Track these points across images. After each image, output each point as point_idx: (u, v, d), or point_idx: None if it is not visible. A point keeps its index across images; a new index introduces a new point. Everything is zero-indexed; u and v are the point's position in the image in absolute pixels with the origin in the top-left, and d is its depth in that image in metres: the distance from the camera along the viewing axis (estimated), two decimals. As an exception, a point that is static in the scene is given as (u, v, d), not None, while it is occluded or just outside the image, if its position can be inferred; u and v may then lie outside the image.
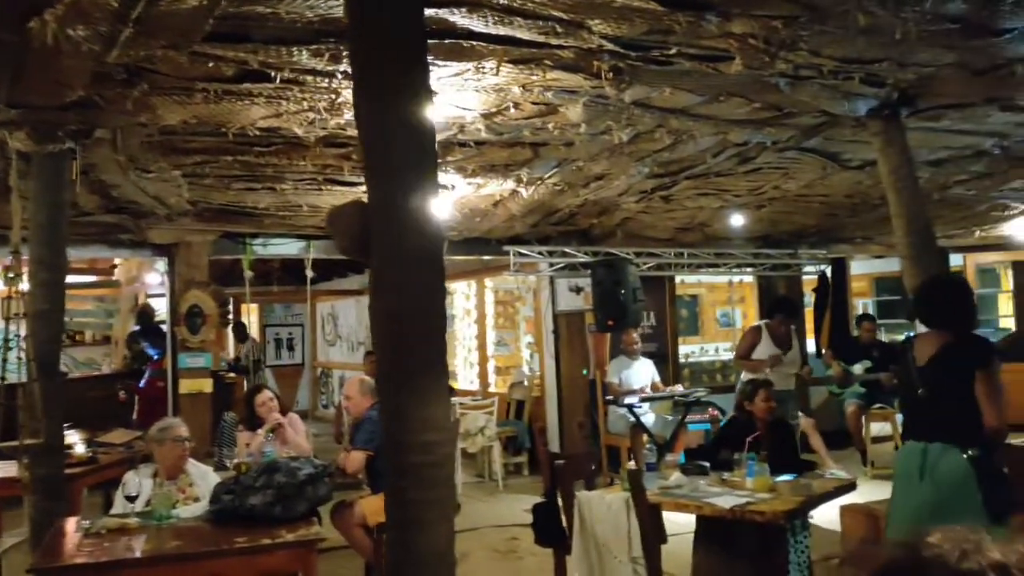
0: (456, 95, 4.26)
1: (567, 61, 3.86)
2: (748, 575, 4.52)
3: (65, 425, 5.90)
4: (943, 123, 5.28)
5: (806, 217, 8.86)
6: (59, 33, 3.21)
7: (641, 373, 8.53)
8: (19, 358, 4.45)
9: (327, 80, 3.91)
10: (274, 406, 5.84)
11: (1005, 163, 6.54)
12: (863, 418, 8.85)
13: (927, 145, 5.82)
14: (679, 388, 8.82)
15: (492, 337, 11.59)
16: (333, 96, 4.14)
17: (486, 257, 9.05)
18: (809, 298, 11.03)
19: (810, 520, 4.92)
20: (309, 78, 3.89)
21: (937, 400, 3.70)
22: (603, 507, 4.31)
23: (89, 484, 6.11)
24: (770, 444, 4.91)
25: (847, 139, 5.59)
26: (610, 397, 8.35)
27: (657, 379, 8.66)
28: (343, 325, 14.76)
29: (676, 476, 4.74)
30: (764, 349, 7.55)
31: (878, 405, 8.77)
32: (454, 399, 9.15)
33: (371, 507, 5.06)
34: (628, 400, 7.99)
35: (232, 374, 10.16)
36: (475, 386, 11.46)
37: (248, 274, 8.22)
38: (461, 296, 12.16)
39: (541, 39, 3.59)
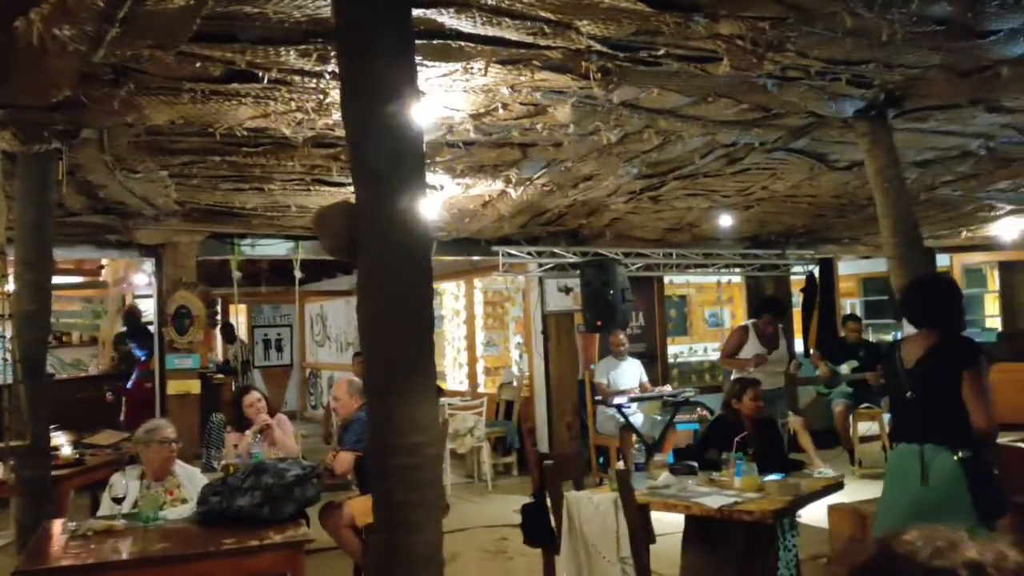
0: (445, 95, 4.26)
1: (555, 62, 3.86)
2: (736, 575, 4.53)
3: (52, 427, 5.87)
4: (929, 124, 5.31)
5: (794, 218, 8.90)
6: (45, 33, 3.19)
7: (629, 373, 8.54)
8: (5, 359, 4.42)
9: (315, 80, 3.90)
10: (262, 407, 5.82)
11: (991, 164, 6.58)
12: (850, 418, 8.89)
13: (914, 146, 5.85)
14: (668, 388, 8.84)
15: (481, 338, 11.58)
16: (321, 96, 4.13)
17: (475, 257, 9.05)
18: (797, 298, 11.07)
19: (798, 519, 4.94)
20: (297, 78, 3.88)
21: (925, 402, 3.71)
22: (591, 507, 4.31)
23: (76, 486, 6.07)
24: (758, 443, 4.92)
25: (834, 140, 5.62)
26: (599, 397, 8.37)
27: (645, 379, 8.67)
28: (332, 326, 14.74)
29: (664, 476, 4.75)
30: (751, 349, 7.58)
31: (865, 405, 8.81)
32: (443, 400, 9.15)
33: (360, 508, 5.05)
34: (617, 400, 8.01)
35: (220, 375, 10.12)
36: (464, 387, 11.46)
37: (236, 275, 8.19)
38: (450, 296, 12.15)
39: (529, 40, 3.59)
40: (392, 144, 2.36)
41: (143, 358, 9.17)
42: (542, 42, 3.62)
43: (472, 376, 11.45)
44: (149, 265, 8.06)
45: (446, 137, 5.07)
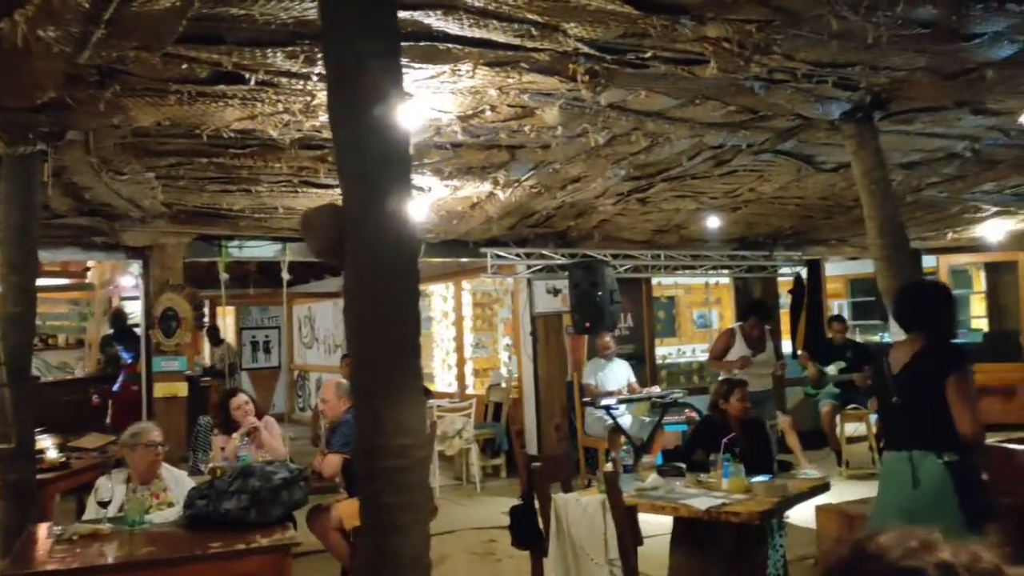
0: (432, 97, 4.26)
1: (543, 64, 3.86)
2: (724, 576, 4.54)
3: (37, 430, 5.84)
4: (915, 126, 5.33)
5: (781, 219, 8.93)
6: (29, 34, 3.17)
7: (617, 374, 8.56)
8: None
9: (302, 82, 3.89)
10: (249, 410, 5.79)
11: (976, 166, 6.61)
12: (837, 418, 8.93)
13: (900, 148, 5.88)
14: (656, 389, 8.86)
15: (470, 339, 11.58)
16: (308, 98, 4.12)
17: (463, 259, 9.04)
18: (785, 299, 11.11)
19: (786, 520, 4.95)
20: (284, 80, 3.87)
21: (912, 408, 3.72)
22: (579, 509, 4.31)
23: (61, 490, 6.03)
24: (745, 444, 4.94)
25: (821, 142, 5.64)
26: (587, 399, 8.37)
27: (633, 380, 8.68)
28: (320, 328, 14.70)
29: (652, 478, 4.75)
30: (738, 351, 7.61)
31: (852, 406, 8.85)
32: (431, 402, 9.13)
33: (348, 511, 5.04)
34: (605, 402, 8.02)
35: (208, 378, 10.09)
36: (453, 388, 11.45)
37: (224, 277, 8.16)
38: (439, 298, 12.14)
39: (517, 42, 3.59)
40: (378, 146, 2.35)
41: (130, 361, 9.12)
42: (529, 44, 3.62)
43: (461, 378, 11.44)
44: (136, 267, 8.03)
45: (434, 139, 5.06)
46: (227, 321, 15.35)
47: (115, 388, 9.26)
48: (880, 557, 0.97)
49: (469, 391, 11.07)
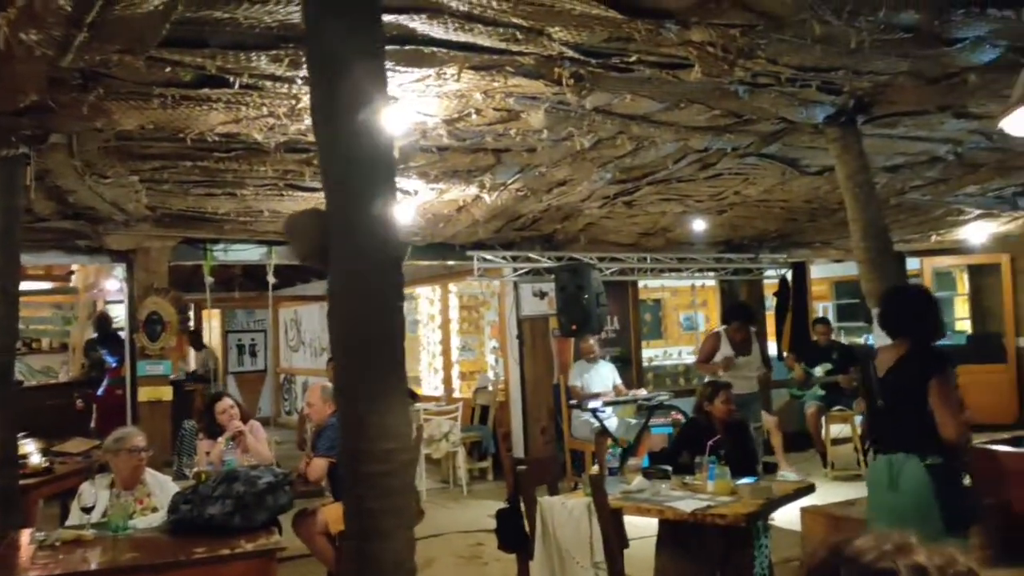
0: (417, 101, 4.26)
1: (528, 68, 3.87)
2: (710, 578, 4.55)
3: (20, 435, 5.80)
4: (898, 130, 5.37)
5: (766, 222, 8.96)
6: (11, 38, 3.15)
7: (602, 376, 8.57)
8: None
9: (287, 86, 3.89)
10: (235, 414, 5.77)
11: (959, 169, 6.66)
12: (823, 420, 8.96)
13: (883, 151, 5.91)
14: (642, 392, 8.87)
15: (456, 342, 11.57)
16: (293, 102, 4.12)
17: (450, 262, 9.04)
18: (770, 302, 11.15)
19: (771, 522, 4.97)
20: (268, 83, 3.87)
21: (896, 411, 3.75)
22: (565, 512, 4.31)
23: (45, 495, 5.99)
24: (730, 447, 4.95)
25: (805, 145, 5.67)
26: (573, 401, 8.38)
27: (619, 382, 8.70)
28: (306, 331, 14.65)
29: (638, 480, 4.76)
30: (724, 354, 7.64)
31: (837, 407, 8.88)
32: (418, 405, 9.13)
33: (333, 515, 5.02)
34: (592, 404, 8.03)
35: (193, 384, 10.04)
36: (439, 392, 11.43)
37: (209, 280, 8.12)
38: (425, 301, 12.13)
39: (502, 46, 3.59)
40: (363, 150, 2.35)
41: (114, 365, 9.07)
42: (514, 48, 3.62)
43: (447, 381, 11.43)
44: (120, 271, 7.98)
45: (419, 142, 5.06)
46: (212, 325, 15.28)
47: (99, 392, 9.20)
48: (855, 560, 0.98)
49: (456, 394, 11.05)
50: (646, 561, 4.93)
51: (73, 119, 4.24)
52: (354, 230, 2.34)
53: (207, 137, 4.63)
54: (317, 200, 5.90)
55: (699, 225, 8.49)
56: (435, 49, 3.58)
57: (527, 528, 4.57)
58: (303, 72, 3.65)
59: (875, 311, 4.21)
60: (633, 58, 3.80)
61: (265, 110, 4.24)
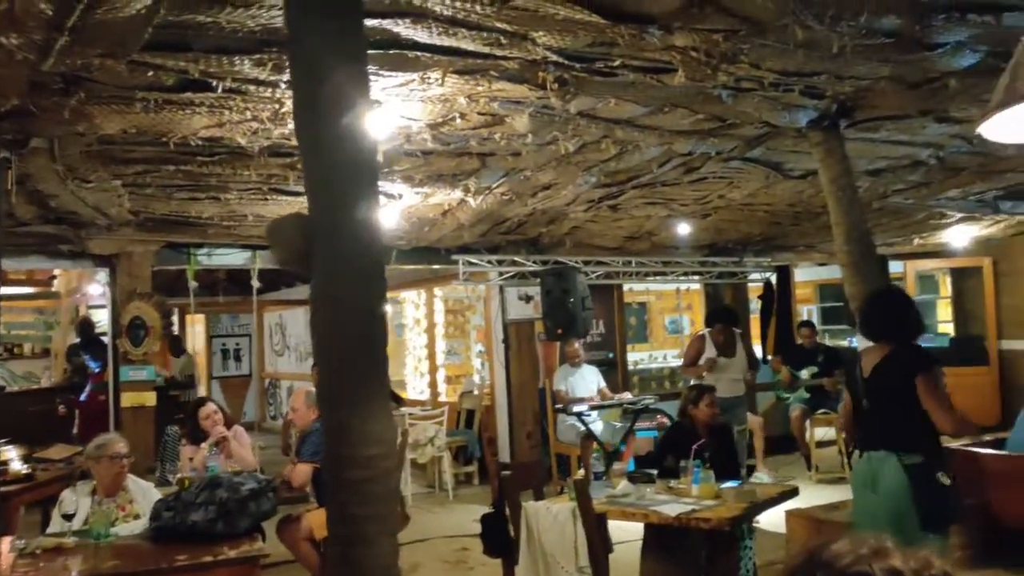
0: (401, 105, 4.25)
1: (512, 72, 3.87)
2: (695, 582, 4.56)
3: (2, 441, 5.75)
4: (881, 134, 5.40)
5: (751, 226, 8.99)
6: (-9, 41, 3.13)
7: (587, 381, 8.59)
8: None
9: (270, 90, 3.87)
10: (219, 419, 5.75)
11: (941, 173, 6.70)
12: (807, 423, 9.00)
13: (866, 155, 5.94)
14: (627, 395, 8.89)
15: (442, 346, 11.55)
16: (277, 106, 4.09)
17: (435, 266, 9.03)
18: (755, 305, 11.20)
19: (756, 525, 4.98)
20: (252, 88, 3.84)
21: (879, 410, 3.79)
22: (549, 517, 4.31)
23: (26, 502, 5.95)
24: (714, 450, 4.96)
25: (789, 149, 5.69)
26: (559, 405, 8.39)
27: (604, 386, 8.71)
28: (291, 335, 14.60)
29: (623, 484, 4.77)
30: (708, 356, 7.66)
31: (822, 410, 8.92)
32: (403, 409, 9.11)
33: (318, 520, 5.00)
34: (577, 408, 8.03)
35: (176, 390, 9.99)
36: (425, 396, 11.42)
37: (193, 285, 8.08)
38: (411, 305, 12.11)
39: (486, 50, 3.59)
40: (345, 155, 2.34)
41: (97, 370, 9.01)
42: (498, 53, 3.62)
43: (433, 385, 11.41)
44: (103, 275, 7.93)
45: (404, 146, 5.05)
46: (197, 329, 15.22)
47: (82, 398, 9.15)
48: (831, 564, 0.99)
49: (441, 398, 11.04)
50: (631, 565, 4.94)
51: (54, 123, 4.21)
52: (337, 235, 2.33)
53: (190, 141, 4.60)
54: (301, 204, 5.86)
55: (684, 229, 8.51)
56: (419, 53, 3.57)
57: (512, 533, 4.57)
58: (287, 76, 3.63)
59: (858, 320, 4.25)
60: (617, 62, 3.80)
61: (249, 114, 4.21)
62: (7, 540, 4.00)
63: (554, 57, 3.68)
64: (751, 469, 8.38)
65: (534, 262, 8.88)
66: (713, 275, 10.33)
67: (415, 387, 11.93)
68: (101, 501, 4.34)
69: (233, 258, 8.09)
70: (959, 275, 11.62)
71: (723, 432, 5.39)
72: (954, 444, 5.56)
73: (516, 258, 8.84)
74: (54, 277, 11.18)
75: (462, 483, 9.31)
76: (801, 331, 9.76)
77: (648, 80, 4.03)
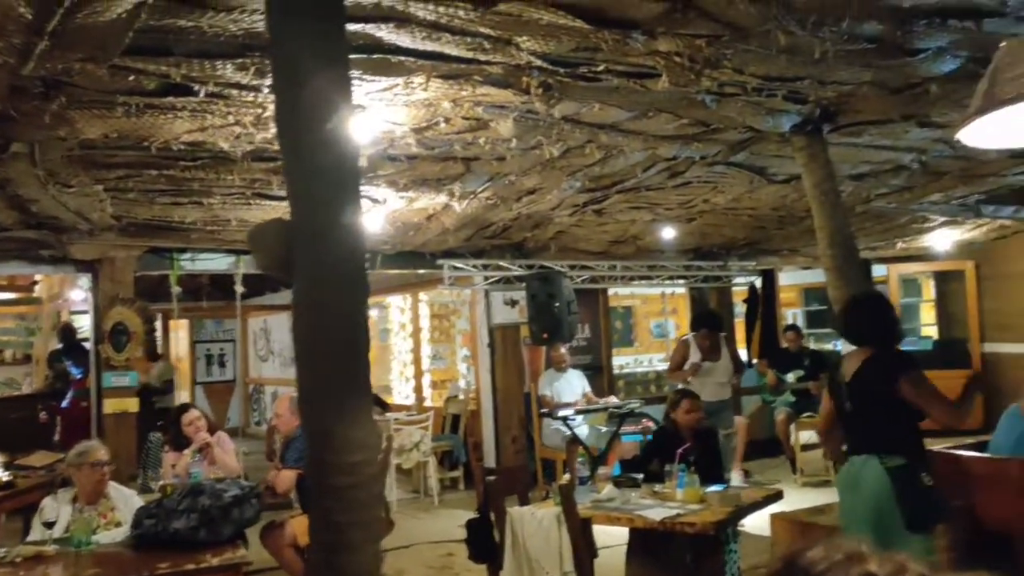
0: (385, 109, 4.24)
1: (496, 77, 3.86)
2: (680, 586, 4.56)
3: (-18, 448, 5.68)
4: (864, 139, 5.43)
5: (735, 230, 9.02)
6: (-30, 45, 3.10)
7: (572, 385, 8.59)
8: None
9: (253, 94, 3.85)
10: (202, 425, 5.71)
11: (923, 177, 6.75)
12: (792, 426, 9.03)
13: (849, 160, 5.97)
14: (613, 399, 8.89)
15: (427, 351, 11.53)
16: (259, 110, 4.08)
17: (420, 271, 9.01)
18: (740, 309, 11.23)
19: (741, 529, 4.99)
20: (234, 92, 3.83)
21: (860, 414, 3.81)
22: (534, 523, 4.30)
23: (7, 509, 5.89)
24: (699, 454, 4.97)
25: (772, 154, 5.71)
26: (544, 410, 8.38)
27: (589, 390, 8.71)
28: (276, 340, 14.54)
29: (608, 489, 4.76)
30: (692, 361, 7.69)
31: (807, 414, 8.95)
32: (388, 415, 9.07)
33: (302, 527, 4.96)
34: (563, 413, 8.03)
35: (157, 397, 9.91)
36: (411, 401, 11.39)
37: (176, 290, 8.03)
38: (396, 310, 12.09)
39: (469, 55, 3.59)
40: (327, 159, 2.33)
41: (79, 376, 8.95)
42: (482, 57, 3.62)
43: (418, 390, 11.39)
44: (85, 281, 7.87)
45: (388, 151, 5.04)
46: (180, 335, 15.14)
47: (64, 404, 9.08)
48: (807, 571, 0.99)
49: (427, 403, 11.01)
50: (616, 570, 4.93)
51: (35, 128, 4.17)
52: (319, 240, 2.32)
53: (172, 146, 4.58)
54: (285, 209, 5.82)
55: (668, 233, 8.53)
56: (402, 58, 3.56)
57: (497, 538, 4.56)
58: (269, 80, 3.61)
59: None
60: (601, 67, 3.81)
61: (231, 119, 4.19)
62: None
63: (538, 62, 3.68)
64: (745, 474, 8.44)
65: (519, 266, 8.87)
66: (698, 279, 10.35)
67: (400, 392, 11.90)
68: (82, 509, 4.31)
69: (217, 263, 8.05)
70: (942, 279, 11.69)
71: (708, 436, 5.39)
72: (937, 447, 5.59)
73: (501, 262, 8.84)
74: (36, 283, 11.10)
75: (447, 488, 9.29)
76: (787, 335, 9.80)
77: (632, 85, 4.04)
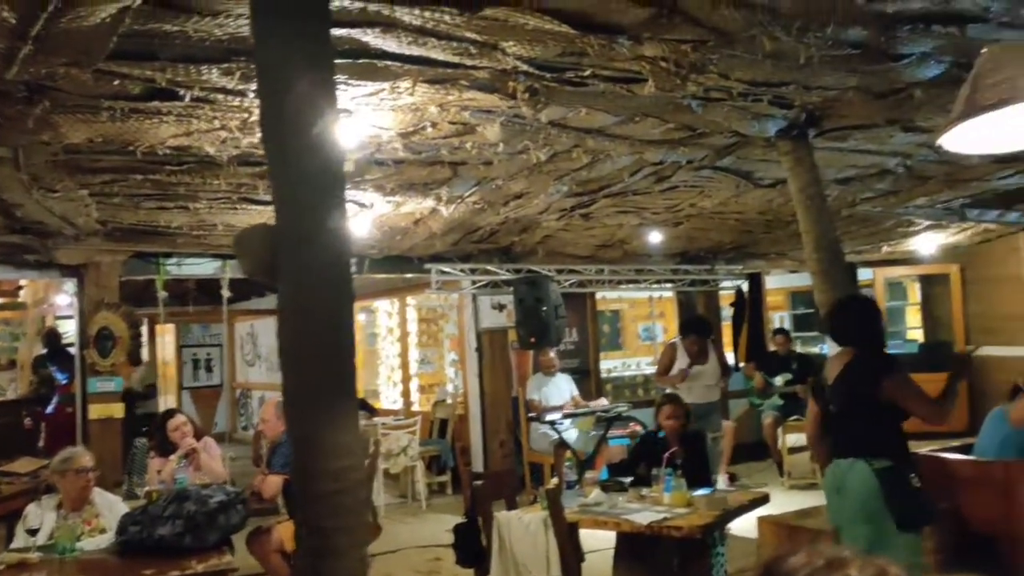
0: (372, 114, 4.23)
1: (483, 82, 3.87)
2: (667, 590, 4.56)
3: (-34, 455, 5.64)
4: (849, 143, 5.45)
5: (722, 234, 9.05)
6: (-48, 49, 3.08)
7: (560, 389, 8.59)
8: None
9: (238, 99, 3.84)
10: (188, 431, 5.68)
11: (908, 181, 6.78)
12: (779, 429, 9.05)
13: (834, 164, 6.00)
14: (603, 402, 8.89)
15: (415, 355, 11.51)
16: (245, 115, 4.06)
17: (408, 275, 9.00)
18: (727, 312, 11.26)
19: (728, 532, 5.00)
20: (220, 97, 3.81)
21: (845, 416, 3.83)
22: (521, 527, 4.30)
23: (-9, 516, 5.85)
24: (686, 458, 4.98)
25: (758, 158, 5.73)
26: (532, 414, 8.38)
27: (576, 394, 8.72)
28: (263, 345, 14.49)
29: (596, 493, 4.76)
30: (680, 365, 7.71)
31: (794, 417, 8.98)
32: (376, 419, 9.06)
33: (289, 532, 4.95)
34: (550, 417, 8.03)
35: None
36: (398, 405, 11.37)
37: (162, 294, 8.00)
38: (384, 314, 12.06)
39: (456, 60, 3.59)
40: (312, 165, 2.32)
41: (64, 381, 8.89)
42: (468, 62, 3.62)
43: (406, 394, 11.37)
44: (70, 286, 7.82)
45: (375, 155, 5.03)
46: (167, 340, 15.06)
47: (49, 410, 9.02)
48: None
49: (415, 408, 11.00)
50: (604, 574, 4.93)
51: (19, 132, 4.15)
52: (304, 245, 2.31)
53: (158, 150, 4.55)
54: (271, 213, 5.81)
55: (656, 237, 8.55)
56: (388, 63, 3.56)
57: (485, 543, 4.55)
58: (255, 85, 3.60)
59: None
60: (587, 72, 3.81)
61: (217, 123, 4.18)
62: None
63: (524, 67, 3.68)
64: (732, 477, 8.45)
65: (507, 271, 8.87)
66: (685, 283, 10.38)
67: (388, 396, 11.87)
68: (66, 515, 4.28)
69: (203, 268, 8.03)
70: (927, 282, 11.76)
71: (696, 440, 5.41)
72: (923, 450, 5.62)
73: (489, 267, 8.84)
74: (20, 288, 11.03)
75: (435, 493, 9.27)
76: (776, 338, 9.83)
77: (618, 90, 4.05)
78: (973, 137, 1.95)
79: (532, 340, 8.22)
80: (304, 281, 2.30)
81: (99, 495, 4.48)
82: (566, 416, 8.17)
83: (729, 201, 7.17)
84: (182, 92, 3.71)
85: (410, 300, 11.34)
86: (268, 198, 5.74)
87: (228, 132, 4.31)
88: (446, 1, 3.06)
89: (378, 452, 7.66)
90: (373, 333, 12.50)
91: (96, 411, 7.09)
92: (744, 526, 5.59)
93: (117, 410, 7.14)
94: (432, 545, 6.93)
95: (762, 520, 5.49)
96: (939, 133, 1.97)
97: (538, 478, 8.46)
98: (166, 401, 12.55)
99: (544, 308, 7.99)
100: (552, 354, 8.60)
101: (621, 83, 3.97)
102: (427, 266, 8.59)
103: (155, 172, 5.10)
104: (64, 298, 9.70)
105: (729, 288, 10.90)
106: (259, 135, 4.23)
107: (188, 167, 5.03)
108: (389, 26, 3.22)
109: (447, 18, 3.16)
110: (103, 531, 4.26)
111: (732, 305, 10.99)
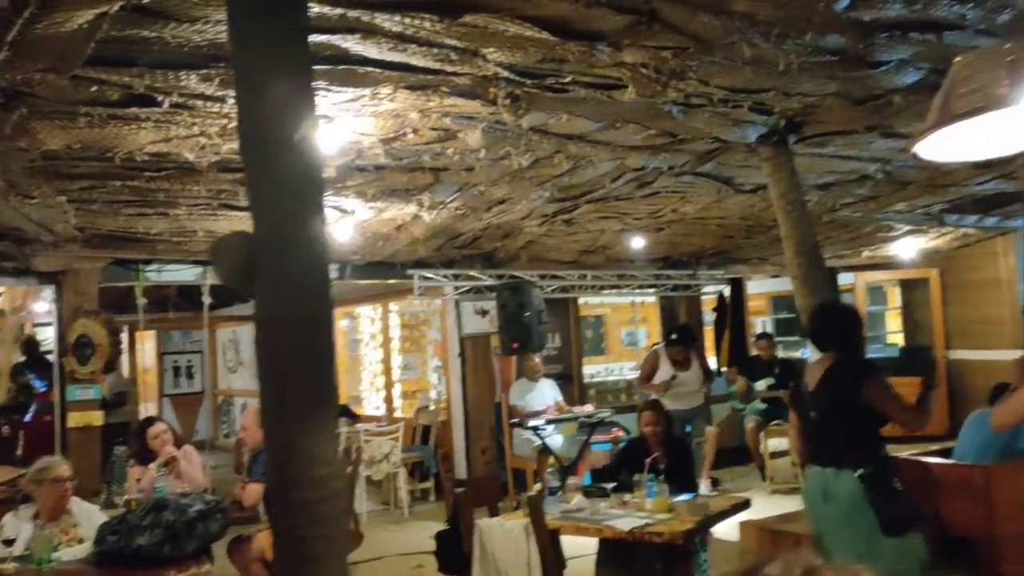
0: (353, 120, 4.22)
1: (463, 88, 3.87)
2: (650, 596, 4.56)
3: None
4: (829, 149, 5.49)
5: (704, 239, 9.08)
6: (-73, 55, 3.05)
7: (543, 395, 8.58)
8: None
9: (217, 105, 3.82)
10: (168, 439, 5.64)
11: (888, 187, 6.84)
12: (761, 434, 9.08)
13: (814, 170, 6.04)
14: (588, 408, 8.88)
15: (398, 361, 11.48)
16: (225, 121, 4.04)
17: (390, 281, 8.98)
18: (709, 316, 11.29)
19: (712, 536, 5.01)
20: (199, 103, 3.79)
21: (825, 423, 3.84)
22: (503, 534, 4.29)
23: (-33, 526, 5.76)
24: (668, 464, 4.99)
25: (739, 164, 5.76)
26: (515, 420, 8.37)
27: (560, 399, 8.71)
28: (245, 351, 14.40)
29: (578, 499, 4.76)
30: (664, 372, 7.73)
31: (776, 421, 9.00)
32: (358, 426, 9.01)
33: (269, 541, 4.92)
34: (533, 422, 8.02)
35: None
36: (381, 411, 11.32)
37: (141, 301, 7.94)
38: (366, 320, 12.02)
39: (436, 66, 3.58)
40: (289, 171, 2.31)
41: (42, 389, 8.80)
42: (449, 68, 3.62)
43: (389, 400, 11.33)
44: (48, 292, 7.75)
45: (356, 161, 5.02)
46: (147, 347, 14.95)
47: (27, 418, 8.92)
48: None
49: (397, 414, 10.96)
50: (587, 580, 4.92)
51: (-5, 139, 4.12)
52: (282, 251, 2.30)
53: (136, 156, 4.53)
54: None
55: (638, 242, 8.57)
56: (369, 69, 3.55)
57: (467, 550, 4.54)
58: (234, 91, 3.59)
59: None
60: (568, 79, 3.82)
61: (196, 129, 4.16)
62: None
63: (505, 73, 3.69)
64: (715, 481, 8.47)
65: (489, 276, 8.87)
66: (668, 288, 10.41)
67: (371, 402, 11.82)
68: (43, 525, 4.23)
69: (183, 274, 7.97)
70: (907, 286, 11.84)
71: (679, 445, 5.42)
72: (903, 454, 5.65)
73: (471, 272, 8.83)
74: (-2, 294, 10.91)
75: (418, 500, 9.24)
76: (759, 343, 9.86)
77: (599, 96, 4.06)
78: (948, 145, 1.96)
79: (515, 346, 8.21)
80: (282, 289, 2.28)
81: (77, 504, 4.44)
82: (549, 422, 8.16)
83: (710, 207, 7.20)
84: (160, 98, 3.69)
85: (393, 306, 11.31)
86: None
87: (207, 138, 4.28)
88: (426, 8, 3.06)
89: (360, 459, 7.63)
90: (356, 339, 12.45)
91: (75, 419, 7.02)
92: (727, 530, 5.60)
93: (96, 418, 7.08)
94: (414, 552, 6.90)
95: (744, 524, 5.50)
96: (914, 141, 1.99)
97: (521, 484, 8.44)
98: (146, 409, 12.44)
99: (527, 314, 7.98)
100: (537, 359, 8.59)
101: (602, 89, 3.98)
102: (410, 272, 8.57)
103: (134, 178, 5.06)
104: (42, 305, 9.60)
105: (711, 293, 10.93)
106: (238, 141, 4.22)
107: (167, 173, 5.00)
108: (369, 32, 3.21)
109: (427, 25, 3.16)
110: (81, 541, 4.21)
111: (714, 310, 11.03)
